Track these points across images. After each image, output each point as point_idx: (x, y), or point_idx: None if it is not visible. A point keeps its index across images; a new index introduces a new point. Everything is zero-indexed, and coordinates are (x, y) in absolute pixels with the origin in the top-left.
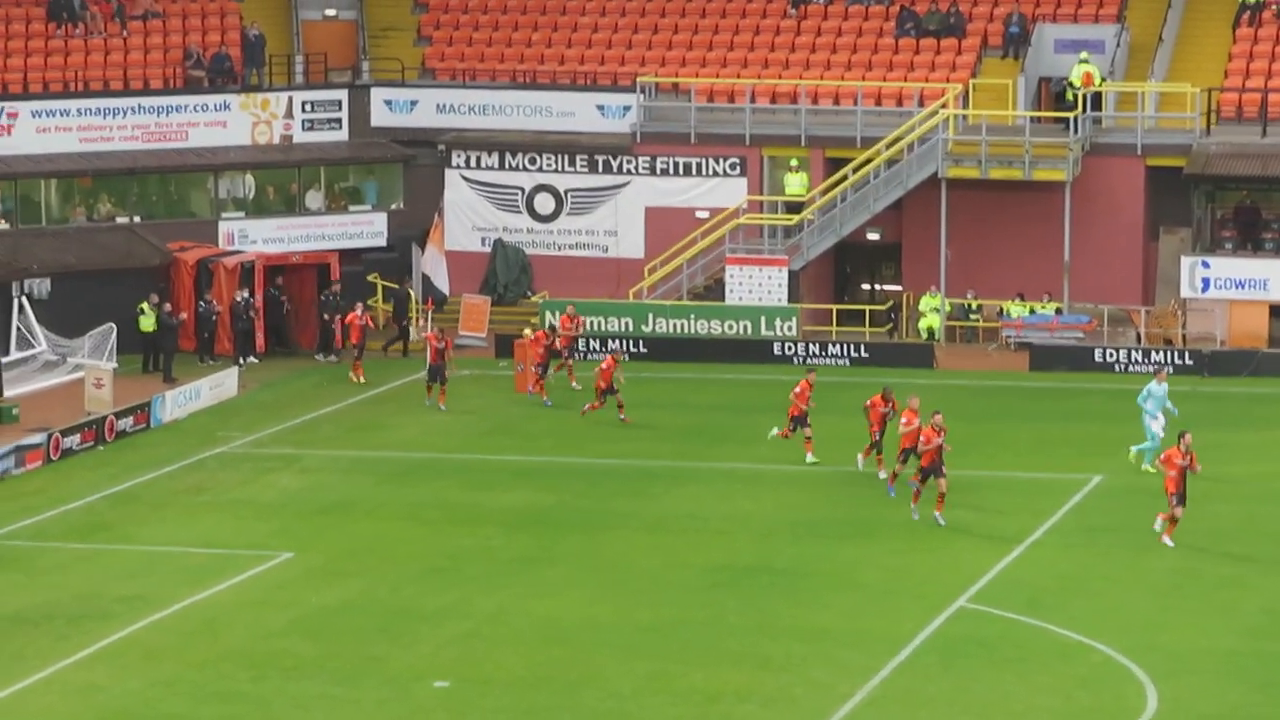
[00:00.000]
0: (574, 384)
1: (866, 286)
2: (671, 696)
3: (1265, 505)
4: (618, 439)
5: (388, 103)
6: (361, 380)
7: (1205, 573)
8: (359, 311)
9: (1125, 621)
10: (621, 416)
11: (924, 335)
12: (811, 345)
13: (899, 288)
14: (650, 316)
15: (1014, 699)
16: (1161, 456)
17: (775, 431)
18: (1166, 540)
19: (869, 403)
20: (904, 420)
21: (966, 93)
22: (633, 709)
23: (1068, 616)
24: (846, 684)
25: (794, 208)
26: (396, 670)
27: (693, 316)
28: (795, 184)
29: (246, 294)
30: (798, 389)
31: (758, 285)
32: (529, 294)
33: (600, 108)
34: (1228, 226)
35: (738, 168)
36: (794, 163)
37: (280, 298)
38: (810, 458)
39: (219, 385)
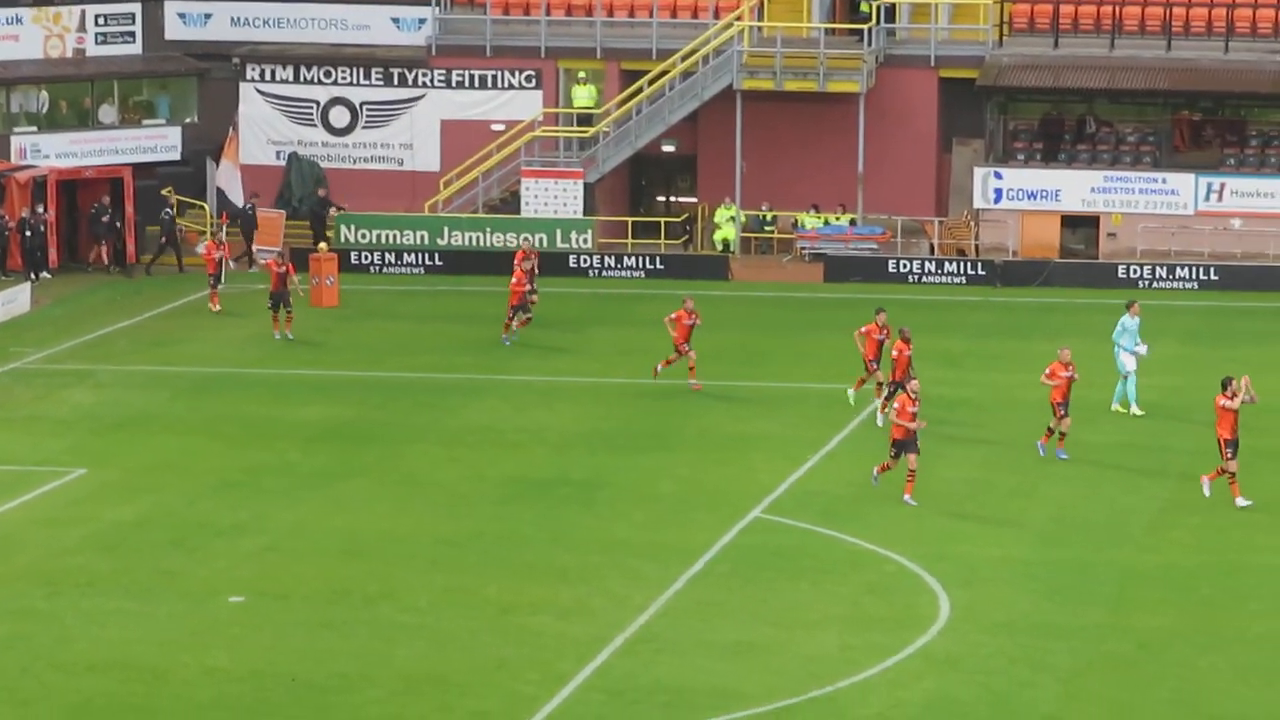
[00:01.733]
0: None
1: (662, 199)
2: (469, 609)
3: None
4: (415, 352)
5: (181, 16)
6: (217, 309)
7: (997, 483)
8: (214, 241)
9: (918, 531)
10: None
11: (719, 247)
12: (607, 258)
13: (694, 200)
14: (446, 230)
15: (807, 608)
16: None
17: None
18: (1240, 500)
19: (864, 330)
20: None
21: (762, 4)
22: (430, 622)
23: (862, 526)
24: (642, 595)
25: (587, 120)
26: (191, 585)
27: (488, 229)
28: (583, 96)
29: (40, 209)
30: (864, 329)
31: (553, 198)
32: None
33: (395, 20)
34: (1023, 138)
35: (533, 80)
36: (582, 75)
37: (102, 216)
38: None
39: (11, 301)
